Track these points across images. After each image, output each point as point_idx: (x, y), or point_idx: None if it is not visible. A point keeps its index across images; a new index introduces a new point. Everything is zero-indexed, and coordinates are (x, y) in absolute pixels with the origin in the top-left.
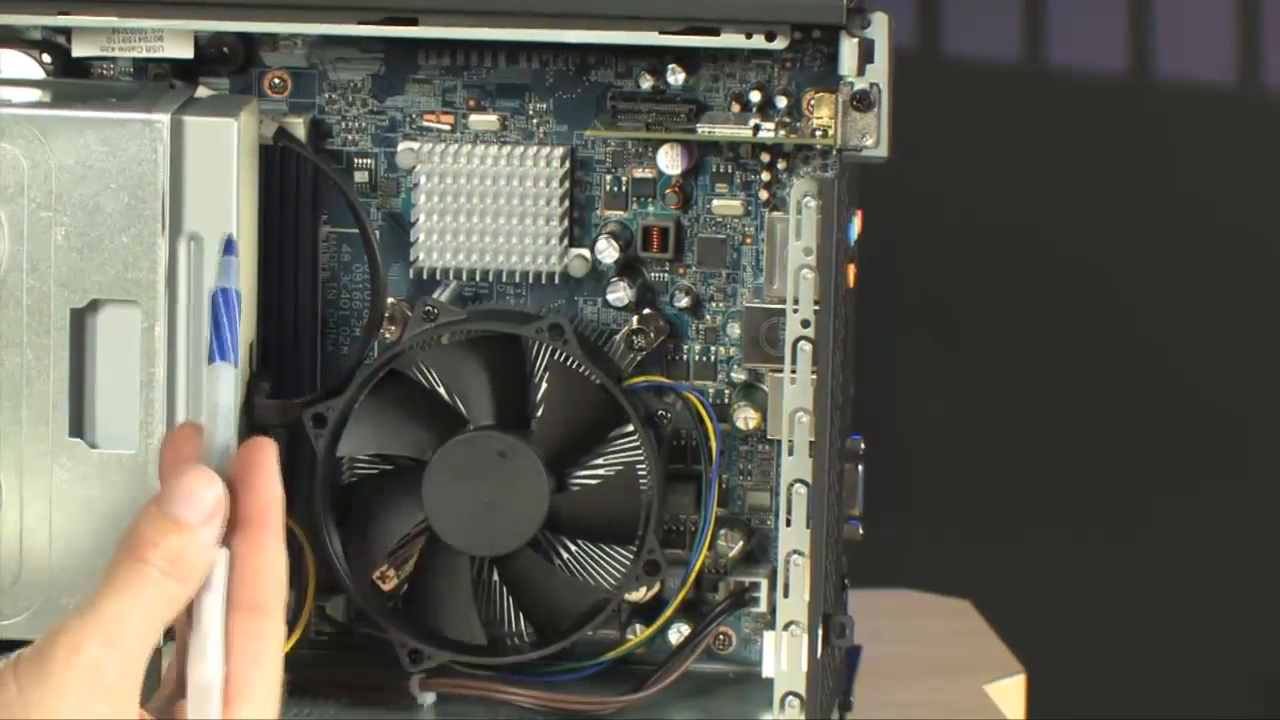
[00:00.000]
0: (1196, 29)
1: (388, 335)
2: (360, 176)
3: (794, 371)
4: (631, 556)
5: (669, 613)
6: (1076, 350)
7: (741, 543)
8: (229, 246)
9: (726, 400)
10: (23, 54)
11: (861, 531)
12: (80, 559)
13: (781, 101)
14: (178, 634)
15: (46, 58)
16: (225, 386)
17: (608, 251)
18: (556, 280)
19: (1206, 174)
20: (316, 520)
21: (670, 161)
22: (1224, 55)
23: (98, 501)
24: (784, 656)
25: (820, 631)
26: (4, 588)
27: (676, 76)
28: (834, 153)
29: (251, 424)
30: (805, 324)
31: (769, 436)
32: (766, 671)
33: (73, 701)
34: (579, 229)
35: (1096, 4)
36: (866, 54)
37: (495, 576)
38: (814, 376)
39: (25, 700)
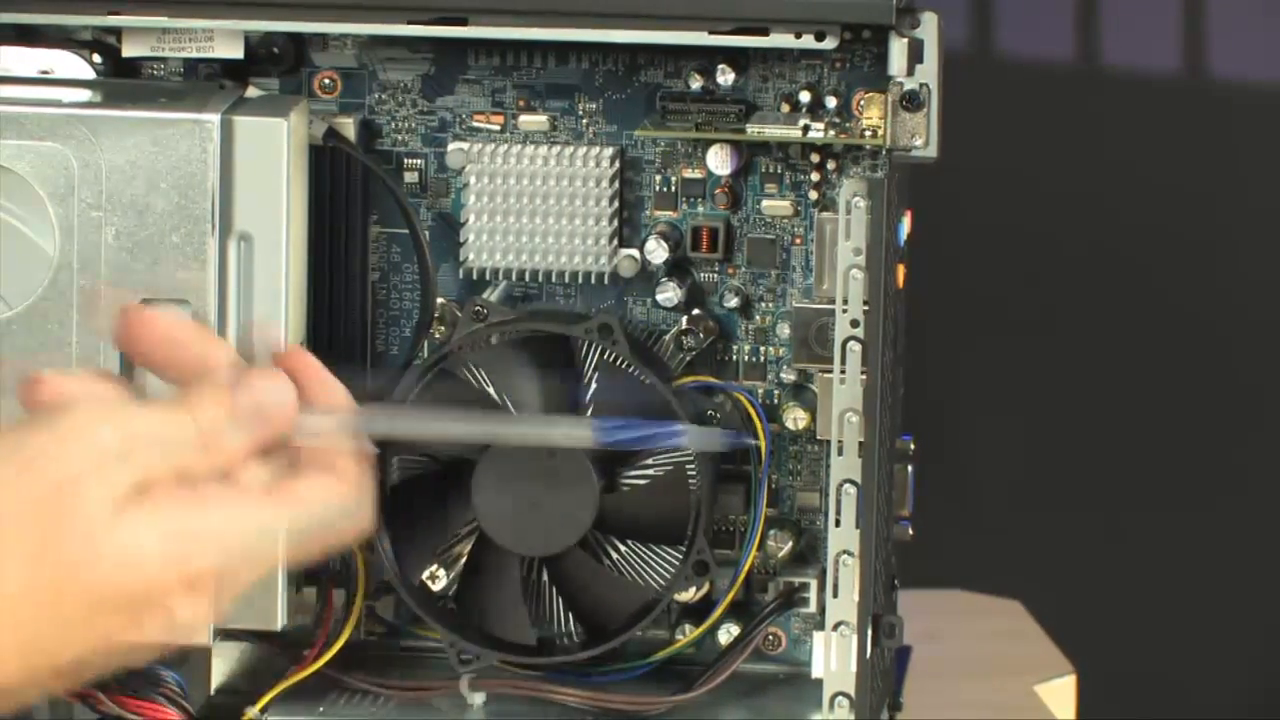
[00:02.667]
0: (1252, 28)
1: (437, 335)
2: (410, 177)
3: (843, 372)
4: (681, 557)
5: (718, 613)
6: (1128, 352)
7: (791, 543)
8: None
9: (776, 400)
10: (73, 54)
11: (911, 532)
12: None
13: (831, 101)
14: None
15: (97, 58)
16: (562, 431)
17: (657, 252)
18: (606, 280)
19: (1263, 175)
20: None
21: (720, 162)
22: None
23: None
24: (833, 657)
25: (870, 632)
26: None
27: (726, 76)
28: (883, 153)
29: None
30: (855, 324)
31: (818, 437)
32: (816, 672)
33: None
34: (628, 229)
35: (1150, 3)
36: (916, 54)
37: (545, 577)
38: (863, 377)
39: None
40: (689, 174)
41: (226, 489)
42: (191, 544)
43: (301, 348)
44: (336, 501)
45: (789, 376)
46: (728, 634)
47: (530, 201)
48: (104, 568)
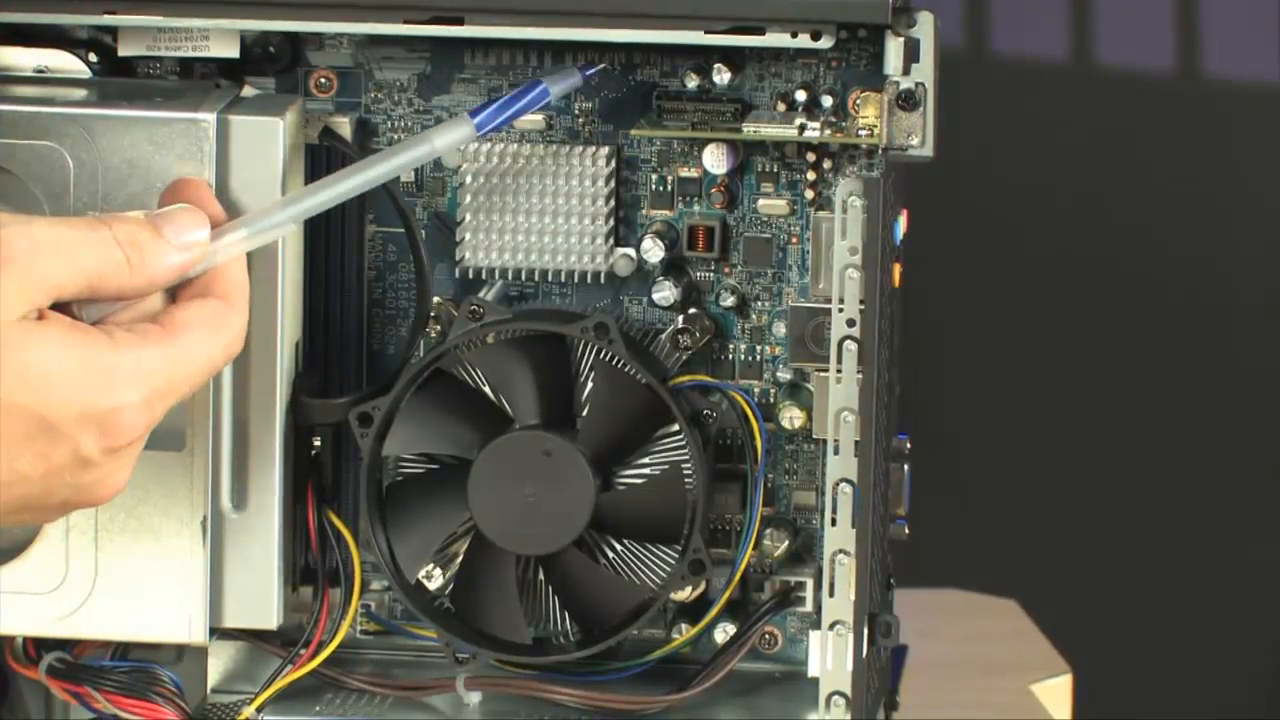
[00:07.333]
0: (1245, 27)
1: (433, 334)
2: (406, 176)
3: (839, 371)
4: (677, 556)
5: (714, 612)
6: (1124, 351)
7: (787, 542)
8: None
9: (772, 399)
10: (69, 53)
11: (907, 531)
12: (126, 560)
13: (827, 101)
14: None
15: (93, 57)
16: (445, 137)
17: (653, 251)
18: (602, 280)
19: (1256, 173)
20: (362, 519)
21: (716, 161)
22: (1274, 54)
23: (144, 502)
24: (830, 656)
25: (866, 631)
26: (49, 589)
27: (722, 76)
28: (879, 152)
29: (296, 423)
30: (850, 323)
31: (814, 436)
32: (812, 671)
33: None
34: (624, 228)
35: (1145, 3)
36: (912, 53)
37: (540, 575)
38: (859, 376)
39: None
40: (685, 173)
41: (134, 329)
42: (98, 377)
43: (195, 178)
44: (233, 332)
45: (785, 375)
46: (724, 633)
47: (526, 201)
48: (2, 380)
